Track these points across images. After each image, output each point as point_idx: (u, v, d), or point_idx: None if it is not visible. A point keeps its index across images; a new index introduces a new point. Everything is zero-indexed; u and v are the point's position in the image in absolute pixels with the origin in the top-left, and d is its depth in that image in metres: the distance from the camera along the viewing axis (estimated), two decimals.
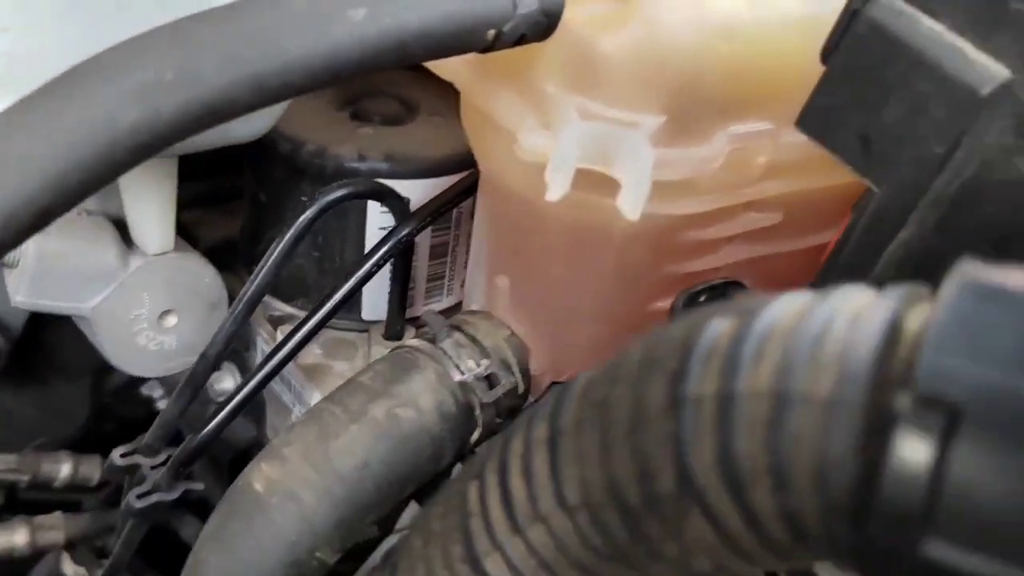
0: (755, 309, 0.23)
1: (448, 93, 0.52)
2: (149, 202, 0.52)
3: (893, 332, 0.20)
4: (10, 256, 0.52)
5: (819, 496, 0.21)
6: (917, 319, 0.21)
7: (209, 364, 0.54)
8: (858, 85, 0.37)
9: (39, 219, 0.29)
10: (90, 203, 0.56)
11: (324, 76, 0.33)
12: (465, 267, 0.65)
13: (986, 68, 0.34)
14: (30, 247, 0.51)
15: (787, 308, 0.23)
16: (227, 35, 0.30)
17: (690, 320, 0.25)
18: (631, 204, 0.39)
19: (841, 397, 0.20)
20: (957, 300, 0.20)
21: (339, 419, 0.47)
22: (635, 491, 0.25)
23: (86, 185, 0.30)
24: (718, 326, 0.24)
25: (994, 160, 0.35)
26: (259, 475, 0.46)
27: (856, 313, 0.22)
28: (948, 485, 0.18)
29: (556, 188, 0.39)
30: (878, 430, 0.19)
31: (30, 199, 0.29)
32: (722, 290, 0.50)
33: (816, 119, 0.39)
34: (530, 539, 0.28)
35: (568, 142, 0.39)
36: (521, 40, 0.38)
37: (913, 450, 0.19)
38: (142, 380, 0.85)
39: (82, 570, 0.77)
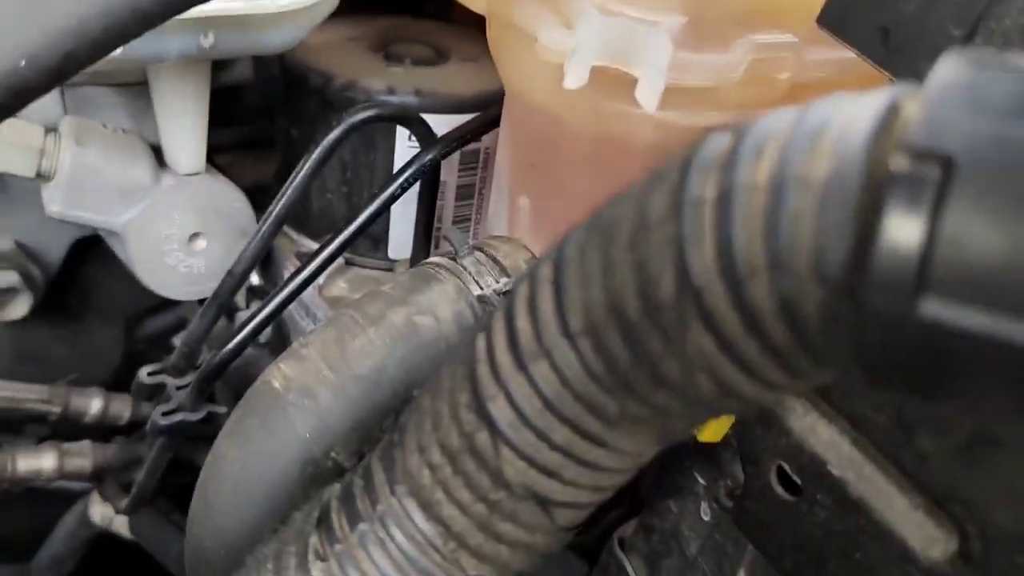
0: (753, 120, 0.24)
1: (480, 42, 0.52)
2: (182, 115, 0.54)
3: (890, 113, 0.21)
4: (46, 167, 0.53)
5: (817, 279, 0.21)
6: (915, 103, 0.21)
7: (235, 281, 0.55)
8: None
9: (65, 63, 0.30)
10: (125, 122, 0.57)
11: None
12: None
13: None
14: (67, 158, 0.53)
15: (785, 115, 0.23)
16: None
17: (691, 142, 0.25)
18: (648, 95, 0.40)
19: (838, 174, 0.20)
20: (952, 67, 0.20)
21: (358, 323, 0.47)
22: (635, 304, 0.25)
23: (111, 33, 0.31)
24: (718, 139, 0.24)
25: (1014, 41, 0.34)
26: (277, 373, 0.46)
27: (854, 107, 0.22)
28: (943, 238, 0.18)
29: (573, 77, 0.39)
30: (873, 196, 0.20)
31: (55, 41, 0.30)
32: None
33: (836, 14, 0.39)
34: (533, 376, 0.28)
35: (587, 32, 0.39)
36: None
37: (908, 205, 0.19)
38: (174, 329, 0.86)
39: (109, 510, 0.78)
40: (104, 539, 0.83)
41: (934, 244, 0.18)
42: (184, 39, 0.45)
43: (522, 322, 0.29)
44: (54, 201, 0.53)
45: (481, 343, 0.31)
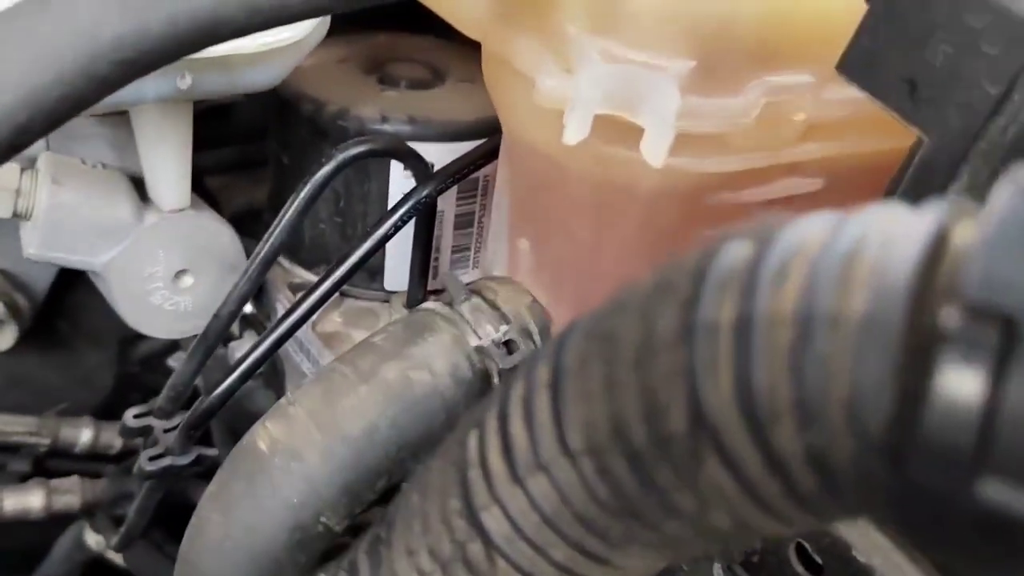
0: (777, 230, 0.21)
1: (478, 61, 0.49)
2: (165, 152, 0.51)
3: (938, 244, 0.18)
4: (23, 207, 0.51)
5: (852, 433, 0.18)
6: (965, 232, 0.18)
7: (222, 323, 0.53)
8: (903, 23, 0.34)
9: (17, 136, 0.28)
10: (107, 157, 0.55)
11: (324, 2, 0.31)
12: None
13: None
14: (43, 198, 0.50)
15: (813, 226, 0.20)
16: None
17: (705, 246, 0.22)
18: (654, 149, 0.37)
19: (876, 315, 0.18)
20: (1011, 199, 0.17)
21: (348, 379, 0.45)
22: (643, 432, 0.22)
23: (67, 102, 0.28)
24: (736, 248, 0.21)
25: None
26: (263, 434, 0.44)
27: (893, 228, 0.19)
28: (1006, 412, 0.16)
29: (573, 131, 0.36)
30: (920, 351, 0.17)
31: (7, 114, 0.27)
32: None
33: (858, 63, 0.36)
34: (531, 491, 0.26)
35: (588, 83, 0.36)
36: None
37: (963, 372, 0.16)
38: (169, 350, 0.84)
39: (102, 539, 0.76)
40: (100, 562, 0.82)
41: (995, 419, 0.16)
42: (159, 82, 0.43)
43: (517, 429, 0.26)
44: (31, 244, 0.50)
45: (473, 442, 0.28)
